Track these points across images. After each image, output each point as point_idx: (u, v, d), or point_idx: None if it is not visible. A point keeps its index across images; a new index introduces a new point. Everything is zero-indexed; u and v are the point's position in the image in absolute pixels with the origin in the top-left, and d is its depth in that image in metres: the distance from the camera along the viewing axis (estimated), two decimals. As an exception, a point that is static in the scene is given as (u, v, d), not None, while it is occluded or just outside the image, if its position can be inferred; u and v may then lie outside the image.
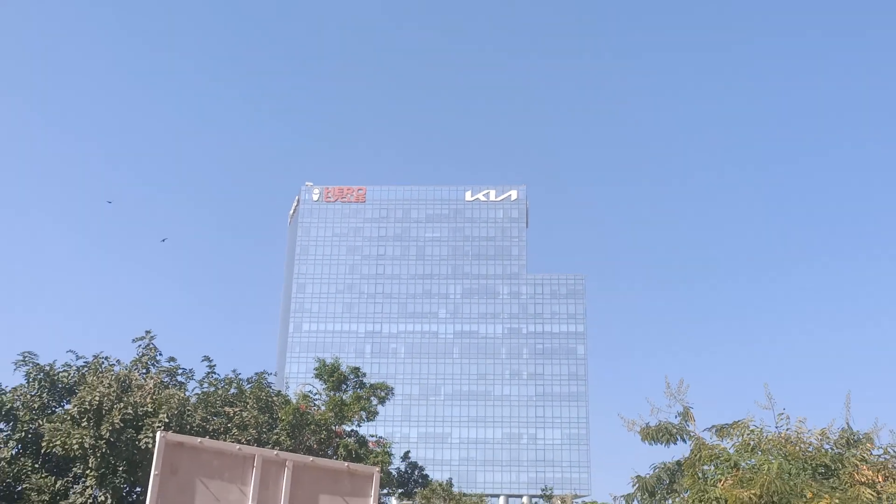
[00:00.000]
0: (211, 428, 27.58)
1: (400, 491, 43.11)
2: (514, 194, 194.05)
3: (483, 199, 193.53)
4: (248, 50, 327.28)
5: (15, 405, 25.46)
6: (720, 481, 23.49)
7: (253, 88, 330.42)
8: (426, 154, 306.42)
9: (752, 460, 23.58)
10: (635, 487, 25.68)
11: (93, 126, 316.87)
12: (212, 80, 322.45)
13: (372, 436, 37.67)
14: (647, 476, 25.65)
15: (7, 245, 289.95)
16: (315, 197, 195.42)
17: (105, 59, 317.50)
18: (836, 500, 21.66)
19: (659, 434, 25.30)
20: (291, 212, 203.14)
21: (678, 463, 25.61)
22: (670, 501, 25.25)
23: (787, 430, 24.35)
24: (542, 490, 57.45)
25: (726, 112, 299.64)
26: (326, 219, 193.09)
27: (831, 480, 22.69)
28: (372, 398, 36.25)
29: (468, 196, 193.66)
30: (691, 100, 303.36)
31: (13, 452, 24.10)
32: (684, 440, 25.38)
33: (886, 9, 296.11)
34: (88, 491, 23.28)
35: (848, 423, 23.89)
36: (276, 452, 11.62)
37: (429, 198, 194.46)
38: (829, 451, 23.61)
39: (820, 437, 24.08)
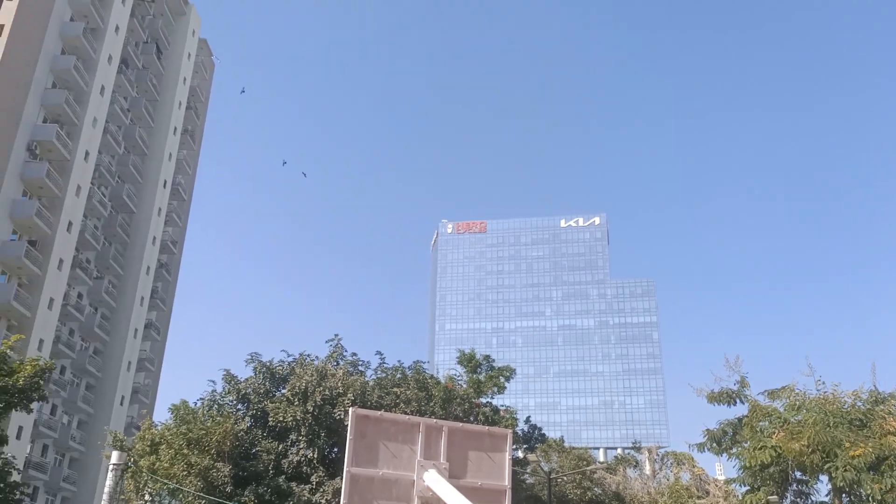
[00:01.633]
0: (384, 403, 27.97)
1: (525, 446, 42.70)
2: (597, 220, 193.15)
3: (574, 225, 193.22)
4: (392, 121, 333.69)
5: (247, 391, 26.39)
6: (773, 434, 22.60)
7: (398, 144, 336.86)
8: (530, 190, 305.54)
9: (799, 416, 22.70)
10: (706, 438, 24.94)
11: (246, 165, 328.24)
12: (369, 145, 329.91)
13: (502, 406, 37.54)
14: (715, 430, 24.91)
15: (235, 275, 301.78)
16: (449, 230, 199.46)
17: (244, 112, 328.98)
18: (870, 448, 20.57)
19: (721, 397, 24.74)
20: (433, 242, 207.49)
21: (739, 420, 24.83)
22: (735, 449, 24.37)
23: (825, 392, 23.51)
24: (633, 443, 55.81)
25: (776, 132, 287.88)
26: (458, 246, 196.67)
27: (864, 431, 21.62)
28: (500, 378, 36.20)
29: (562, 223, 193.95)
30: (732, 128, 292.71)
31: (248, 425, 24.95)
32: (742, 402, 24.71)
33: None
34: (301, 451, 23.92)
35: (875, 386, 22.96)
36: (434, 420, 11.75)
37: (533, 226, 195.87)
38: (861, 407, 22.66)
39: (853, 397, 23.20)
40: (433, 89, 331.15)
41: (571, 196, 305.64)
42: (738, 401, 24.52)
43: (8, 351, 22.06)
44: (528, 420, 44.70)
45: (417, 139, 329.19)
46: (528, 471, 38.43)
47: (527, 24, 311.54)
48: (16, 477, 21.16)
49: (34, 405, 23.29)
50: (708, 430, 24.93)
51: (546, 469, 39.85)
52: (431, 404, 31.01)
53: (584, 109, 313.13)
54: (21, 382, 19.99)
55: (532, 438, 43.78)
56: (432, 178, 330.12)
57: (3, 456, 21.37)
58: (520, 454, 40.48)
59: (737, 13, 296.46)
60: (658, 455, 45.32)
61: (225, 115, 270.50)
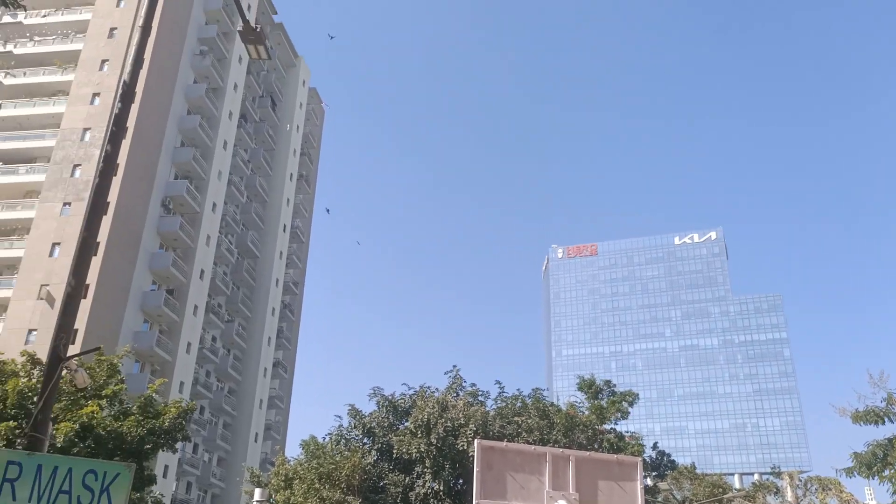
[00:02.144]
0: (507, 433, 27.80)
1: (654, 474, 41.21)
2: (713, 235, 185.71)
3: (689, 241, 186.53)
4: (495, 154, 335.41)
5: (372, 425, 26.87)
6: (929, 454, 20.86)
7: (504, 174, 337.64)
8: (639, 209, 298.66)
9: (957, 434, 20.84)
10: (854, 462, 23.28)
11: (356, 203, 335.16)
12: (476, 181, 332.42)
13: (626, 432, 36.49)
14: (863, 452, 23.22)
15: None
16: (560, 255, 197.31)
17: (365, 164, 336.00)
18: None
19: (868, 417, 23.01)
20: (543, 268, 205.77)
21: (889, 440, 23.07)
22: (887, 472, 22.59)
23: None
24: (771, 468, 52.65)
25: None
26: (570, 270, 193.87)
27: None
28: (623, 403, 35.25)
29: (676, 241, 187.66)
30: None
31: (374, 458, 25.37)
32: (891, 420, 22.96)
33: None
34: (427, 483, 24.08)
35: None
36: (561, 450, 11.61)
37: (645, 246, 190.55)
38: None
39: None
40: (533, 117, 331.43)
41: (684, 212, 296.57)
42: (886, 420, 22.82)
43: (153, 394, 23.50)
44: (655, 446, 43.17)
45: (521, 168, 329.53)
46: (660, 500, 37.06)
47: (616, 43, 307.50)
48: (165, 513, 22.38)
49: (178, 445, 24.64)
50: (855, 452, 23.29)
51: (679, 497, 38.32)
52: (554, 432, 30.54)
53: (689, 118, 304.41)
54: (167, 424, 21.19)
55: (661, 465, 42.20)
56: (537, 205, 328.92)
57: (152, 494, 22.68)
58: (649, 482, 39.11)
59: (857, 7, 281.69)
60: (800, 481, 42.62)
61: (335, 158, 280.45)
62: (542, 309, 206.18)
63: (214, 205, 60.41)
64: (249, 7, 66.37)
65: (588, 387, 36.65)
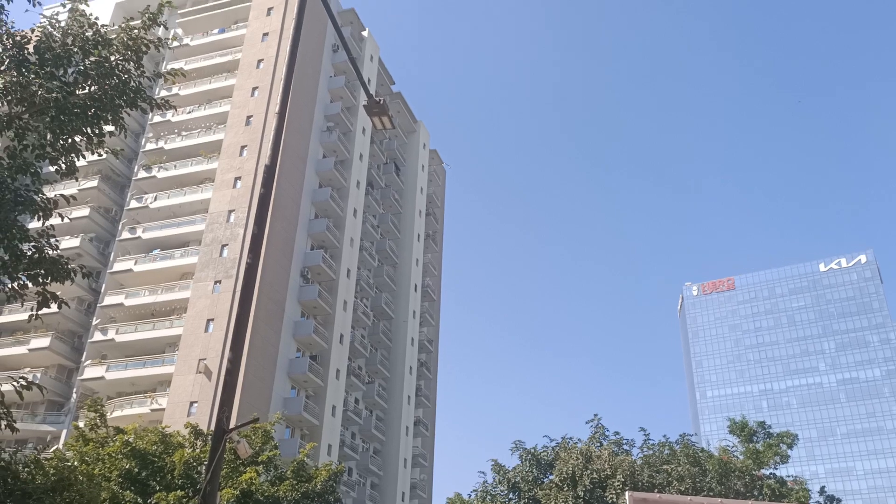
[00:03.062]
0: (656, 483, 26.64)
1: (825, 520, 38.02)
2: (863, 258, 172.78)
3: (836, 267, 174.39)
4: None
5: (516, 480, 26.55)
6: None
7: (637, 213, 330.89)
8: (775, 237, 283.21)
9: None
10: None
11: (484, 256, 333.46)
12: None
13: (788, 476, 34.05)
14: None
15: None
16: (694, 293, 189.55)
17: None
18: None
19: None
20: (678, 307, 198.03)
21: None
22: None
23: None
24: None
25: None
26: (707, 308, 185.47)
27: None
28: (781, 445, 33.01)
29: (822, 267, 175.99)
30: None
31: (522, 514, 24.98)
32: None
33: None
34: (579, 538, 23.37)
35: None
36: (718, 499, 11.02)
37: (788, 275, 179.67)
38: None
39: None
40: (649, 158, 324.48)
41: (826, 236, 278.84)
42: None
43: (305, 458, 24.30)
44: (822, 490, 39.92)
45: (643, 210, 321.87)
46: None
47: (739, 67, 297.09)
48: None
49: (331, 506, 25.27)
50: None
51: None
52: (707, 480, 28.98)
53: (824, 131, 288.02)
54: (319, 487, 21.83)
55: (830, 512, 38.89)
56: (664, 244, 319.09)
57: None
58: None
59: None
60: None
61: (458, 214, 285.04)
62: (682, 350, 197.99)
63: (349, 271, 62.68)
64: (369, 80, 69.66)
65: (740, 429, 34.58)
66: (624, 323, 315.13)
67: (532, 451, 28.63)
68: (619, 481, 24.35)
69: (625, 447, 30.92)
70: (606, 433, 30.59)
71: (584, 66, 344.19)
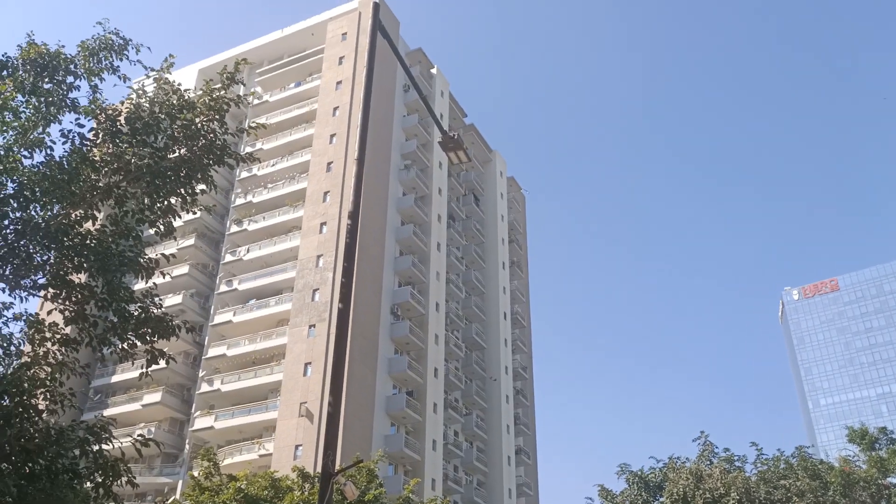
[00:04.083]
0: (774, 499, 25.27)
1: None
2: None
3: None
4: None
5: (625, 504, 25.69)
6: None
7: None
8: (874, 231, 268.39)
9: None
10: None
11: (570, 280, 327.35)
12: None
13: (921, 484, 31.64)
14: None
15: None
16: (795, 297, 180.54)
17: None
18: None
19: None
20: (780, 314, 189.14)
21: None
22: None
23: None
24: None
25: None
26: (810, 312, 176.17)
27: None
28: (909, 451, 30.76)
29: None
30: None
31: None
32: None
33: None
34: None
35: None
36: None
37: (894, 270, 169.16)
38: None
39: None
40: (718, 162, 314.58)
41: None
42: None
43: (410, 494, 24.27)
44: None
45: (731, 215, 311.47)
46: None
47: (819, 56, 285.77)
48: None
49: (440, 542, 25.08)
50: None
51: None
52: (830, 493, 27.31)
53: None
54: (427, 523, 21.68)
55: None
56: (757, 248, 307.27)
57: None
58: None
59: None
60: None
61: (542, 239, 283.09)
62: (787, 357, 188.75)
63: (437, 305, 62.92)
64: (442, 116, 70.49)
65: (860, 437, 32.41)
66: (724, 336, 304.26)
67: (639, 473, 27.67)
68: (734, 500, 23.22)
69: (737, 464, 29.50)
70: (716, 450, 29.25)
71: (661, 71, 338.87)
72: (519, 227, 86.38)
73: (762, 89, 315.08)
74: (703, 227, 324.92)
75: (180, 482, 51.94)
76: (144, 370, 10.40)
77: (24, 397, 9.15)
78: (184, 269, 60.19)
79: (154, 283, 11.29)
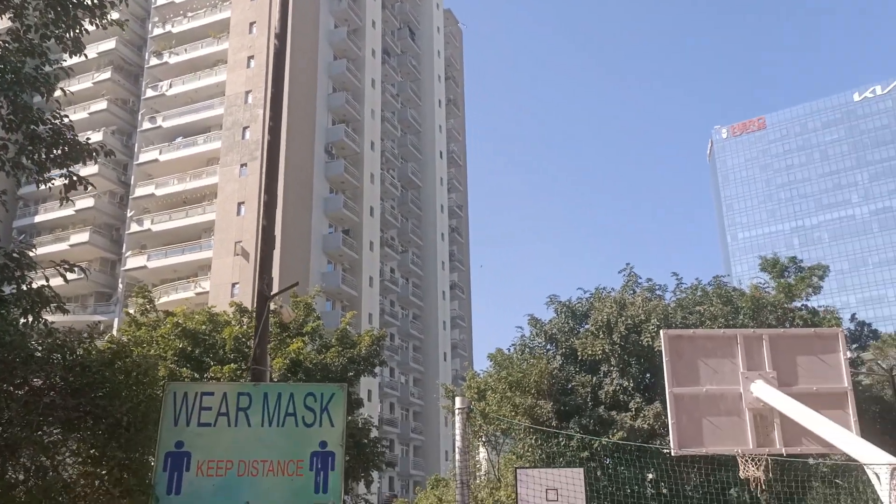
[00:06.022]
0: (689, 324, 27.06)
1: (854, 346, 38.70)
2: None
3: (871, 95, 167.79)
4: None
5: (553, 331, 27.13)
6: None
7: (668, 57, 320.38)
8: (803, 71, 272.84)
9: None
10: None
11: (507, 116, 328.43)
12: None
13: (819, 307, 34.40)
14: None
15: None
16: (724, 135, 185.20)
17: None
18: None
19: None
20: (708, 151, 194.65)
21: None
22: None
23: None
24: None
25: None
26: (737, 150, 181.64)
27: None
28: (812, 277, 33.08)
29: (856, 97, 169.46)
30: None
31: (559, 363, 25.70)
32: None
33: None
34: (615, 381, 24.13)
35: None
36: (752, 330, 11.21)
37: (819, 109, 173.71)
38: None
39: None
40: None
41: (859, 64, 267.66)
42: None
43: (347, 327, 25.10)
44: (853, 318, 40.40)
45: (667, 50, 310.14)
46: (864, 371, 34.90)
47: None
48: (375, 433, 24.18)
49: (377, 370, 26.33)
50: None
51: (885, 367, 35.86)
52: (740, 317, 29.40)
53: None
54: (363, 352, 22.63)
55: (861, 336, 39.40)
56: (690, 86, 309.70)
57: (362, 416, 24.47)
58: (848, 355, 36.87)
59: None
60: None
61: (479, 77, 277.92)
62: (712, 194, 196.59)
63: (372, 143, 62.21)
64: (372, -59, 66.06)
65: (772, 266, 34.49)
66: (653, 171, 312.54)
67: (567, 303, 29.03)
68: (653, 325, 24.71)
69: (658, 293, 31.14)
70: (639, 281, 30.72)
71: None
72: (456, 63, 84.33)
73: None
74: (642, 63, 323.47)
75: (116, 320, 52.36)
76: (63, 195, 10.08)
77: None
78: (101, 104, 57.31)
79: (58, 101, 10.60)
